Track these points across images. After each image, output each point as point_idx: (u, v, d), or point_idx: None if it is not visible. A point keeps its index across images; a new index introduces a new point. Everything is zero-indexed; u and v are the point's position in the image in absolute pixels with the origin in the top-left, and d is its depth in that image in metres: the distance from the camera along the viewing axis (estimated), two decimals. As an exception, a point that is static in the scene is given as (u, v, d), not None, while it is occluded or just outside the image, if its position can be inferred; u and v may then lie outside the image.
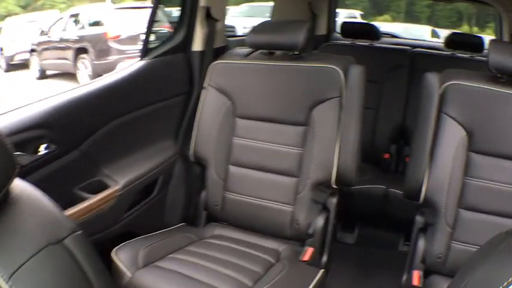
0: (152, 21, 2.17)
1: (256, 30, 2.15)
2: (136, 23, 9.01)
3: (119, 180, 1.91)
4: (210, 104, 2.16)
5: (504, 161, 1.80)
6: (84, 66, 9.88)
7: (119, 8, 10.72)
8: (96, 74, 9.41)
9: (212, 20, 2.32)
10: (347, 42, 3.55)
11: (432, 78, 1.87)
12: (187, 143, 2.25)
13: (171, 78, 2.24)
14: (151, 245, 1.85)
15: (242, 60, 2.17)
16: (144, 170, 2.04)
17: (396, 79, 3.21)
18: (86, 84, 1.95)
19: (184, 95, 2.30)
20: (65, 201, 1.49)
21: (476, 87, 1.83)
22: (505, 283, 0.59)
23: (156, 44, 2.25)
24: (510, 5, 3.19)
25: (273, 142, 2.07)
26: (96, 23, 10.09)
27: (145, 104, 2.08)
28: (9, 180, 0.85)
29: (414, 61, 3.25)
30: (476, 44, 3.25)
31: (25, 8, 20.69)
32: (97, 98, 1.89)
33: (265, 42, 2.12)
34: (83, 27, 10.39)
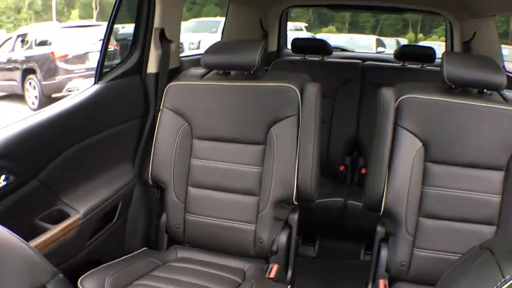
0: (106, 45, 2.14)
1: (211, 50, 2.15)
2: (83, 41, 8.89)
3: (79, 209, 1.87)
4: (166, 126, 2.14)
5: (459, 168, 1.88)
6: (32, 87, 9.64)
7: (65, 27, 10.55)
8: (45, 94, 9.21)
9: (166, 41, 2.31)
10: (298, 58, 3.61)
11: (387, 93, 1.92)
12: (145, 167, 2.22)
13: (126, 101, 2.21)
14: (117, 273, 1.81)
15: (197, 81, 2.16)
16: (104, 196, 2.00)
17: (348, 92, 3.29)
18: (41, 111, 1.90)
19: (140, 118, 2.28)
20: (26, 232, 1.46)
21: (430, 100, 1.91)
22: None
23: (108, 66, 2.22)
24: (462, 15, 3.30)
25: (232, 162, 2.07)
26: (43, 43, 9.88)
27: (102, 129, 2.04)
28: None
29: (365, 74, 3.34)
30: (427, 55, 3.35)
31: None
32: (53, 125, 1.84)
33: (220, 63, 2.13)
34: (30, 47, 10.16)
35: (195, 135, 2.11)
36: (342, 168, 3.23)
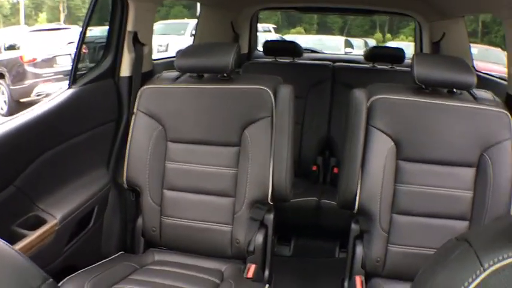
0: (80, 49, 2.13)
1: (184, 53, 2.16)
2: (51, 45, 8.75)
3: (55, 214, 1.85)
4: (140, 130, 2.14)
5: (431, 166, 1.95)
6: (1, 92, 9.43)
7: (33, 31, 10.36)
8: (13, 99, 9.03)
9: (139, 44, 2.32)
10: (269, 60, 3.64)
11: (359, 94, 1.97)
12: (120, 170, 2.22)
13: (100, 105, 2.20)
14: (95, 278, 1.81)
15: (171, 84, 2.16)
16: (80, 201, 1.99)
17: (319, 93, 3.34)
18: (13, 117, 1.88)
19: (114, 122, 2.28)
20: (3, 239, 1.44)
21: (401, 100, 1.97)
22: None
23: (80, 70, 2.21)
24: (431, 16, 3.37)
25: (207, 164, 2.08)
26: (12, 47, 9.68)
27: (76, 133, 2.03)
28: None
29: (336, 75, 3.39)
30: (396, 56, 3.42)
31: None
32: (27, 130, 1.82)
33: (194, 66, 2.14)
34: (-1, 52, 9.97)
35: (169, 138, 2.12)
36: (314, 168, 3.27)
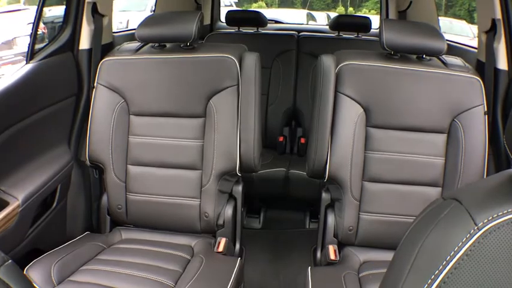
0: (37, 22, 2.01)
1: (145, 23, 2.08)
2: (11, 26, 8.45)
3: (17, 196, 1.77)
4: (101, 104, 2.07)
5: (401, 132, 1.94)
6: (-45, 76, 9.11)
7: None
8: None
9: (99, 15, 2.23)
10: (232, 30, 3.58)
11: (327, 60, 1.94)
12: (82, 147, 2.16)
13: (59, 79, 2.11)
14: (62, 260, 1.76)
15: (132, 55, 2.09)
16: (42, 181, 1.91)
17: (284, 63, 3.32)
18: None
19: (74, 97, 2.19)
20: None
21: (370, 66, 1.95)
22: (452, 252, 0.62)
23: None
24: None
25: (172, 137, 2.04)
26: None
27: (35, 110, 1.93)
28: None
29: (301, 45, 3.36)
30: (362, 25, 3.40)
31: None
32: None
33: (155, 36, 2.06)
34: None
35: (132, 112, 2.06)
36: (281, 139, 3.26)
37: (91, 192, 2.22)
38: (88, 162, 2.12)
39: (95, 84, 2.09)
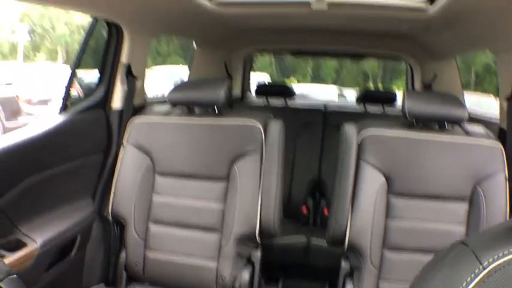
0: (73, 75, 2.13)
1: (177, 88, 2.18)
2: (47, 85, 8.85)
3: (36, 239, 1.80)
4: (128, 162, 2.13)
5: (423, 201, 1.93)
6: (-6, 127, 9.46)
7: (31, 70, 10.50)
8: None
9: (132, 77, 2.33)
10: (261, 103, 3.66)
11: (350, 129, 1.98)
12: (106, 202, 2.19)
13: (89, 135, 2.19)
14: None
15: (161, 117, 2.17)
16: (62, 228, 1.94)
17: (310, 135, 3.35)
18: (2, 137, 1.86)
19: (102, 153, 2.26)
20: None
21: (392, 134, 1.97)
22: None
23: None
24: (422, 57, 3.40)
25: (194, 198, 2.07)
26: (8, 84, 9.79)
27: (63, 161, 2.00)
28: None
29: (327, 118, 3.41)
30: (388, 98, 3.44)
31: None
32: (14, 152, 1.80)
33: (185, 99, 2.15)
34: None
35: (158, 172, 2.11)
36: (304, 209, 3.24)
37: (110, 246, 2.23)
38: (110, 217, 2.15)
39: (124, 143, 2.16)
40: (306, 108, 3.64)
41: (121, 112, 2.30)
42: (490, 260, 0.63)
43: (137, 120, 2.18)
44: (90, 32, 2.14)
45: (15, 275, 0.87)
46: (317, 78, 23.72)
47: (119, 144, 2.21)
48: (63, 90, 2.10)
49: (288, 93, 3.62)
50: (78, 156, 2.10)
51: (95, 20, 2.14)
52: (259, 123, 2.04)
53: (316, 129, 3.37)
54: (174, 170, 2.10)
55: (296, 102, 3.74)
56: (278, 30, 3.16)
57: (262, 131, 2.03)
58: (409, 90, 2.11)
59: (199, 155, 2.08)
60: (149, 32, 2.40)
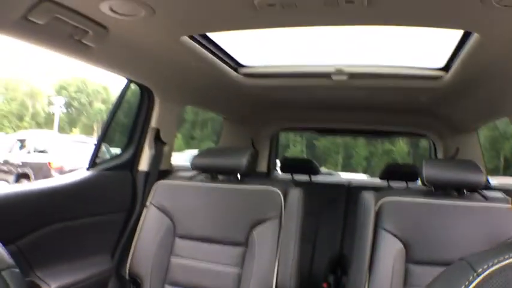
0: (104, 133, 2.24)
1: (201, 154, 2.26)
2: (80, 156, 9.09)
3: (51, 285, 1.83)
4: (150, 223, 2.17)
5: (441, 268, 1.88)
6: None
7: (65, 141, 10.86)
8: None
9: (160, 142, 2.43)
10: (287, 179, 3.70)
11: (368, 196, 2.00)
12: (124, 260, 2.21)
13: (114, 193, 2.26)
14: None
15: (185, 181, 2.24)
16: (78, 279, 1.96)
17: (333, 211, 3.34)
18: (32, 183, 1.95)
19: (125, 212, 2.32)
20: None
21: (410, 202, 1.97)
22: None
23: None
24: (445, 132, 3.42)
25: (212, 262, 2.07)
26: (41, 151, 10.12)
27: (86, 215, 2.07)
28: None
29: (351, 194, 3.41)
30: (410, 173, 3.44)
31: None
32: (40, 198, 1.87)
33: (208, 165, 2.21)
34: (28, 153, 10.41)
35: (178, 234, 2.14)
36: (325, 286, 3.18)
37: None
38: (127, 276, 2.16)
39: (147, 204, 2.21)
40: (330, 183, 3.67)
41: (147, 174, 2.38)
42: (485, 267, 0.64)
43: (162, 183, 2.24)
44: (123, 93, 2.28)
45: (17, 270, 0.92)
46: (348, 167, 23.76)
47: (143, 205, 2.27)
48: (93, 147, 2.21)
49: (313, 169, 3.67)
50: (101, 212, 2.16)
51: (129, 82, 2.27)
52: (279, 189, 2.07)
53: (340, 204, 3.37)
54: (194, 233, 2.12)
55: (320, 179, 3.77)
56: (302, 106, 3.26)
57: (282, 197, 2.05)
58: (427, 159, 2.12)
59: (220, 219, 2.10)
60: (178, 100, 2.52)
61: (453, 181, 1.96)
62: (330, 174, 4.78)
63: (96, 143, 2.24)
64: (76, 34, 1.60)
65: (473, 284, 0.64)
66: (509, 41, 1.59)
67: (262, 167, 4.18)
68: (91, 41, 1.66)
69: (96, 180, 2.15)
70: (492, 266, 0.65)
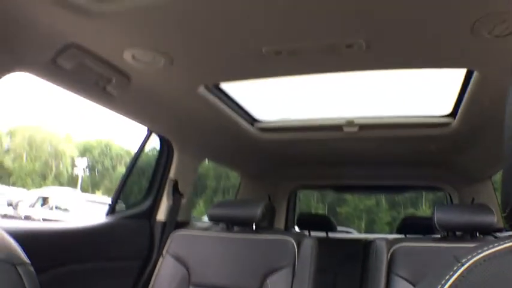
0: (123, 184, 2.32)
1: (217, 205, 2.31)
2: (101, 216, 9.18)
3: None
4: (165, 272, 2.20)
5: None
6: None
7: (86, 201, 11.02)
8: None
9: (178, 193, 2.50)
10: (304, 235, 3.70)
11: (380, 243, 2.02)
12: None
13: (131, 241, 2.31)
14: None
15: (201, 231, 2.28)
16: None
17: (351, 266, 3.32)
18: (50, 223, 1.99)
19: (141, 260, 2.35)
20: None
21: (423, 247, 1.98)
22: (439, 286, 0.68)
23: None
24: (459, 183, 3.40)
25: None
26: (62, 209, 10.26)
27: (102, 260, 2.11)
28: None
29: (367, 249, 3.39)
30: (428, 225, 3.40)
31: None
32: (57, 238, 1.91)
33: (224, 215, 2.26)
34: (50, 209, 10.56)
35: (193, 282, 2.16)
36: None
37: None
38: None
39: (163, 253, 2.25)
40: (347, 239, 3.65)
41: (164, 224, 2.43)
42: (469, 257, 0.67)
43: (178, 233, 2.28)
44: (144, 143, 2.38)
45: (32, 268, 0.98)
46: (370, 228, 23.34)
47: (159, 254, 2.30)
48: (113, 195, 2.30)
49: (330, 226, 3.68)
50: (117, 258, 2.20)
51: (149, 133, 2.37)
52: (293, 239, 2.09)
53: (357, 260, 3.35)
54: (208, 281, 2.13)
55: (338, 235, 3.77)
56: (317, 161, 3.30)
57: (296, 246, 2.07)
58: (438, 204, 2.13)
59: (234, 267, 2.12)
60: (196, 153, 2.61)
61: (463, 224, 1.96)
62: (347, 232, 4.73)
63: (115, 190, 2.32)
64: (100, 81, 1.70)
65: (458, 273, 0.66)
66: (507, 74, 1.60)
67: (280, 224, 4.19)
68: (114, 88, 1.77)
69: (114, 227, 2.21)
70: (477, 255, 0.67)
